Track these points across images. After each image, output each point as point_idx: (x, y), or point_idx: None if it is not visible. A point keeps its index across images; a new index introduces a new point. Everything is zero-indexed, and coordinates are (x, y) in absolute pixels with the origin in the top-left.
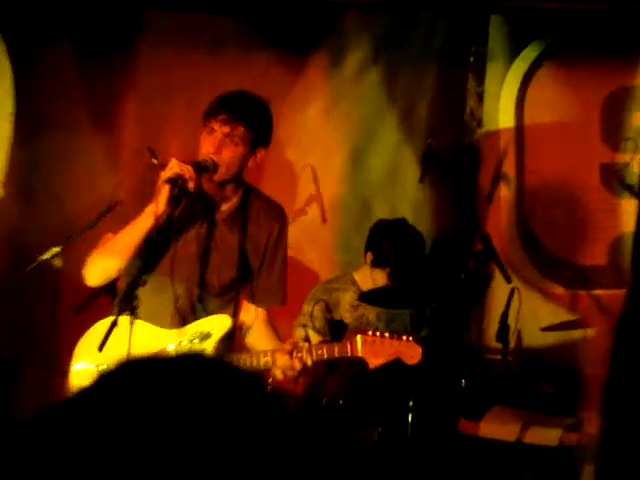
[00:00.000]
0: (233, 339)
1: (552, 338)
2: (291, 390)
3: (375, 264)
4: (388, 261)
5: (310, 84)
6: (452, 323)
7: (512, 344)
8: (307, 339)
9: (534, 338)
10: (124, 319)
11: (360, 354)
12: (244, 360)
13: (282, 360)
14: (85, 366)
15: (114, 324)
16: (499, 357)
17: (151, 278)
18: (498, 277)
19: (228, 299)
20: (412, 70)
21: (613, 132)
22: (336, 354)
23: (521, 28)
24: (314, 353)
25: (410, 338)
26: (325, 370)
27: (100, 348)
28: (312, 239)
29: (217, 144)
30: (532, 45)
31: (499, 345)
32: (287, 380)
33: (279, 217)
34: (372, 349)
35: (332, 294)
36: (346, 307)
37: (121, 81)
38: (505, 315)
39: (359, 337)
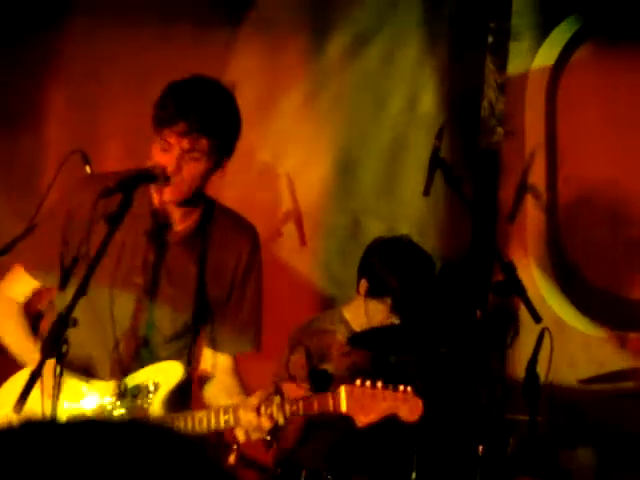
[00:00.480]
0: (187, 392)
1: (594, 393)
2: (261, 458)
3: (371, 294)
4: (388, 289)
5: (285, 68)
6: (466, 373)
7: (542, 400)
8: (279, 392)
9: (570, 393)
10: (49, 368)
11: (345, 410)
12: (199, 419)
13: (247, 418)
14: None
15: (36, 375)
16: (525, 417)
17: (84, 316)
18: (524, 315)
19: (183, 344)
20: (414, 53)
21: None
22: (315, 410)
23: (553, 2)
24: (287, 409)
25: (408, 389)
26: (304, 431)
27: (17, 407)
28: (288, 266)
29: (175, 162)
30: (567, 21)
31: (526, 401)
32: (253, 444)
33: (249, 239)
34: (360, 403)
35: (317, 337)
36: (335, 354)
37: (45, 70)
38: (533, 363)
39: (343, 388)
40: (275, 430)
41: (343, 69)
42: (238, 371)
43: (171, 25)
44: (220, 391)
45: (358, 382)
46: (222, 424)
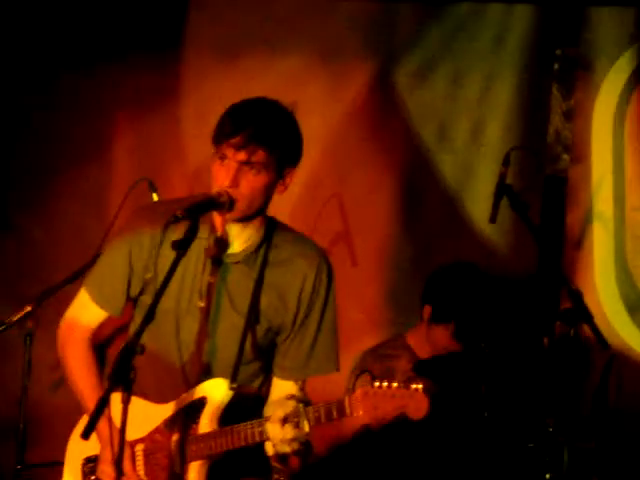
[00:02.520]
0: (250, 412)
1: None
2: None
3: (434, 320)
4: (451, 315)
5: (353, 99)
6: (533, 401)
7: (611, 428)
8: (306, 402)
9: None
10: (116, 396)
11: (362, 413)
12: (238, 433)
13: (272, 431)
14: (75, 461)
15: (103, 403)
16: (593, 445)
17: (151, 342)
18: (592, 343)
19: (251, 370)
20: (480, 80)
21: None
22: (334, 415)
23: (623, 26)
24: (311, 417)
25: (419, 387)
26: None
27: (85, 434)
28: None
29: (232, 175)
30: (634, 48)
31: (594, 430)
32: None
33: (317, 262)
34: (374, 405)
35: (383, 362)
36: (400, 379)
37: (109, 98)
38: (603, 391)
39: (360, 391)
40: (300, 439)
41: (409, 96)
42: (307, 394)
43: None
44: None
45: (376, 384)
46: (257, 436)
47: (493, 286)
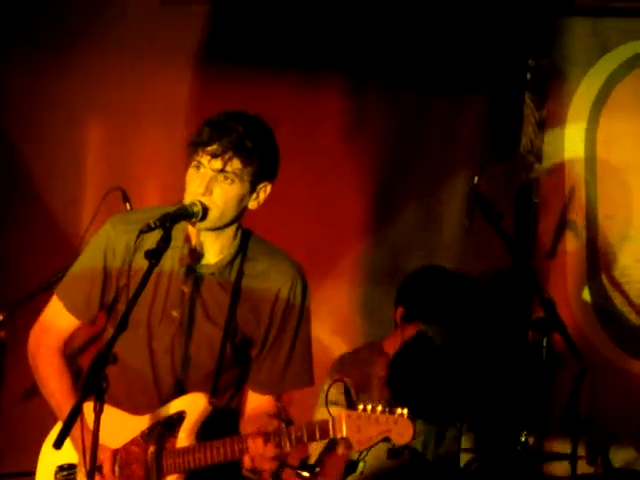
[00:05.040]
0: (228, 425)
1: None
2: None
3: (406, 319)
4: (422, 313)
5: (325, 111)
6: (504, 408)
7: (583, 439)
8: (286, 420)
9: (611, 432)
10: (89, 405)
11: (345, 434)
12: (217, 448)
13: (254, 446)
14: (47, 469)
15: (75, 413)
16: (566, 454)
17: (123, 351)
18: (564, 353)
19: (226, 381)
20: (452, 89)
21: None
22: (317, 436)
23: (595, 35)
24: (293, 436)
25: (404, 412)
26: (344, 469)
27: (57, 444)
28: (324, 304)
29: (206, 183)
30: (606, 57)
31: (566, 439)
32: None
33: (292, 275)
34: (357, 427)
35: (360, 368)
36: (376, 384)
37: (79, 99)
38: (573, 402)
39: (344, 413)
40: (281, 458)
41: (383, 106)
42: (284, 405)
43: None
44: (250, 431)
45: (360, 406)
46: (237, 453)
47: (466, 291)
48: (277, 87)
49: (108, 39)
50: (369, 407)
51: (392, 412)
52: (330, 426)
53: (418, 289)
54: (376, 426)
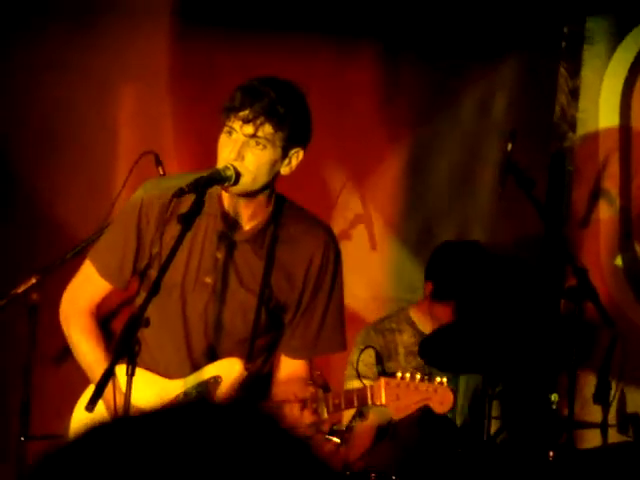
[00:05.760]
0: (260, 391)
1: None
2: (329, 462)
3: (436, 297)
4: (453, 293)
5: (358, 78)
6: (536, 378)
7: (614, 406)
8: (324, 386)
9: None
10: (122, 369)
11: (383, 401)
12: None
13: (291, 413)
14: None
15: (108, 375)
16: (597, 423)
17: (156, 316)
18: (596, 321)
19: (259, 346)
20: (486, 57)
21: None
22: (355, 403)
23: (629, 2)
24: (330, 403)
25: (443, 380)
26: (374, 436)
27: (89, 407)
28: (358, 270)
29: (238, 148)
30: None
31: (597, 408)
32: (323, 447)
33: (322, 239)
34: (396, 395)
35: (386, 336)
36: (402, 352)
37: (115, 71)
38: (605, 370)
39: (382, 381)
40: (318, 424)
41: (416, 74)
42: (319, 372)
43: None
44: (284, 396)
45: (399, 374)
46: None
47: (496, 265)
48: (310, 54)
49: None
50: (407, 375)
51: (431, 380)
52: (369, 393)
53: (446, 266)
54: (415, 394)
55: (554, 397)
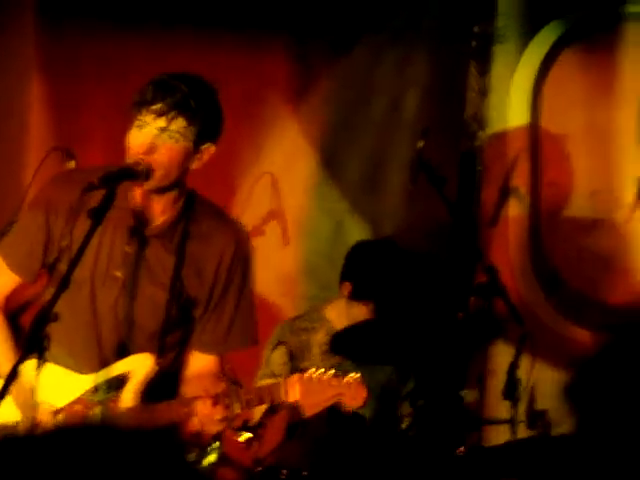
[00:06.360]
0: (169, 387)
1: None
2: (241, 457)
3: (354, 297)
4: (371, 293)
5: (272, 72)
6: (447, 374)
7: (523, 403)
8: (236, 382)
9: (551, 396)
10: (31, 364)
11: (298, 397)
12: (161, 411)
13: (203, 409)
14: None
15: (15, 370)
16: (506, 419)
17: (65, 311)
18: (506, 318)
19: (168, 341)
20: (397, 55)
21: None
22: (269, 398)
23: (538, 2)
24: (243, 399)
25: (357, 376)
26: (286, 431)
27: None
28: (271, 266)
29: (150, 142)
30: (552, 25)
31: (506, 404)
32: (234, 443)
33: (233, 234)
34: (310, 391)
35: (299, 335)
36: (315, 352)
37: (27, 66)
38: (514, 366)
39: (296, 376)
40: (229, 419)
41: (328, 69)
42: (229, 367)
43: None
44: (195, 393)
45: (312, 370)
46: (182, 415)
47: (411, 263)
48: (221, 48)
49: None
50: (321, 371)
51: (344, 376)
52: (282, 389)
53: (364, 266)
54: (329, 390)
55: (469, 395)
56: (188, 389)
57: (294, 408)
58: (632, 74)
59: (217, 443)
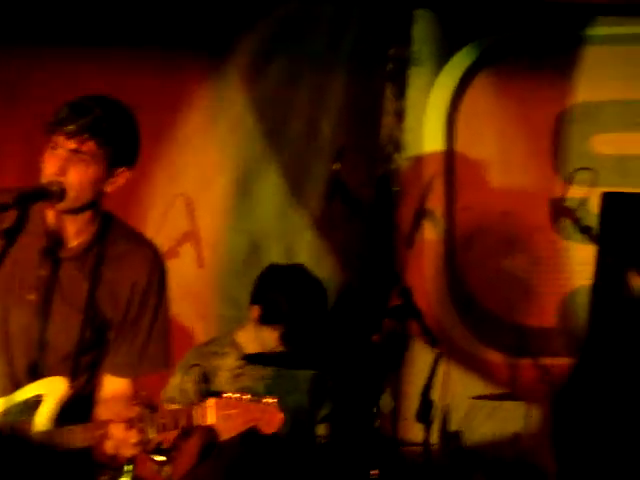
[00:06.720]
0: (83, 410)
1: (487, 420)
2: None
3: (263, 321)
4: (280, 317)
5: (186, 93)
6: (361, 397)
7: (436, 425)
8: (150, 406)
9: (465, 419)
10: None
11: (212, 421)
12: (75, 433)
13: (117, 432)
14: None
15: None
16: (420, 441)
17: None
18: (420, 340)
19: (83, 363)
20: (314, 78)
21: (566, 160)
22: (184, 422)
23: (452, 27)
24: (157, 423)
25: (272, 401)
26: (200, 453)
27: None
28: (185, 288)
29: (61, 163)
30: (466, 49)
31: (420, 426)
32: (148, 466)
33: (148, 257)
34: (226, 415)
35: (209, 360)
36: (226, 376)
37: None
38: (428, 388)
39: (212, 401)
40: (142, 443)
41: (243, 91)
42: (145, 393)
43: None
44: (108, 416)
45: (230, 394)
46: (96, 439)
47: (321, 288)
48: (137, 69)
49: None
50: (236, 395)
51: (259, 401)
52: (198, 413)
53: (273, 291)
54: (244, 415)
55: (385, 401)
56: (102, 412)
57: (209, 431)
58: (545, 96)
59: (130, 466)
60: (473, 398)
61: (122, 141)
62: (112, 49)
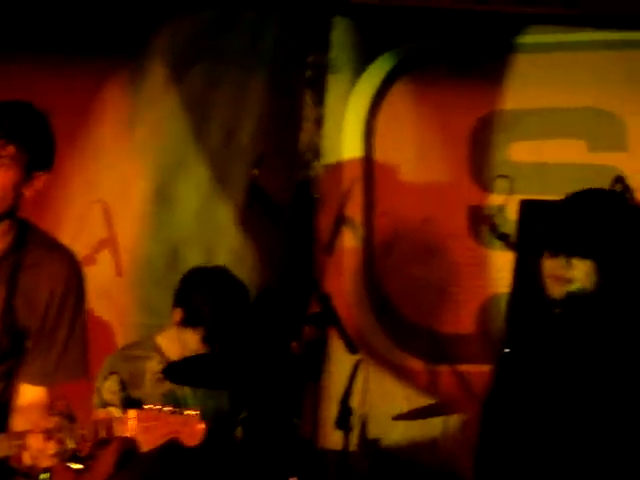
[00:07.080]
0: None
1: (406, 427)
2: None
3: (185, 323)
4: (201, 319)
5: (103, 96)
6: (280, 403)
7: (356, 432)
8: (69, 416)
9: (384, 426)
10: None
11: (132, 433)
12: None
13: (35, 443)
14: None
15: None
16: (339, 448)
17: None
18: (340, 347)
19: (2, 372)
20: (232, 84)
21: (484, 168)
22: (104, 433)
23: (371, 34)
24: (76, 433)
25: (194, 413)
26: (118, 462)
27: None
28: (104, 296)
29: None
30: (384, 56)
31: (340, 433)
32: (66, 475)
33: (65, 265)
34: (146, 426)
35: (132, 364)
36: (150, 380)
37: None
38: (347, 395)
39: (133, 412)
40: (62, 454)
41: (160, 98)
42: (65, 402)
43: None
44: (24, 425)
45: (151, 406)
46: (14, 449)
47: (243, 290)
48: (53, 75)
49: None
50: (158, 407)
51: (181, 412)
52: (118, 425)
53: (195, 293)
54: (165, 426)
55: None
56: (18, 421)
57: (126, 439)
58: (464, 103)
59: (47, 474)
60: (393, 419)
61: (39, 145)
62: (25, 52)
